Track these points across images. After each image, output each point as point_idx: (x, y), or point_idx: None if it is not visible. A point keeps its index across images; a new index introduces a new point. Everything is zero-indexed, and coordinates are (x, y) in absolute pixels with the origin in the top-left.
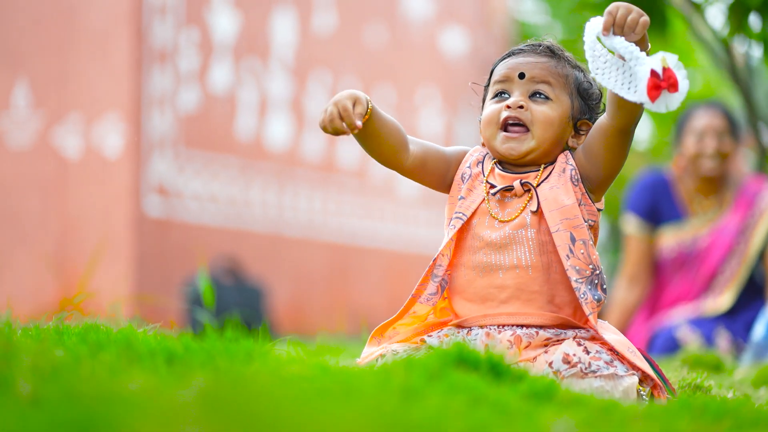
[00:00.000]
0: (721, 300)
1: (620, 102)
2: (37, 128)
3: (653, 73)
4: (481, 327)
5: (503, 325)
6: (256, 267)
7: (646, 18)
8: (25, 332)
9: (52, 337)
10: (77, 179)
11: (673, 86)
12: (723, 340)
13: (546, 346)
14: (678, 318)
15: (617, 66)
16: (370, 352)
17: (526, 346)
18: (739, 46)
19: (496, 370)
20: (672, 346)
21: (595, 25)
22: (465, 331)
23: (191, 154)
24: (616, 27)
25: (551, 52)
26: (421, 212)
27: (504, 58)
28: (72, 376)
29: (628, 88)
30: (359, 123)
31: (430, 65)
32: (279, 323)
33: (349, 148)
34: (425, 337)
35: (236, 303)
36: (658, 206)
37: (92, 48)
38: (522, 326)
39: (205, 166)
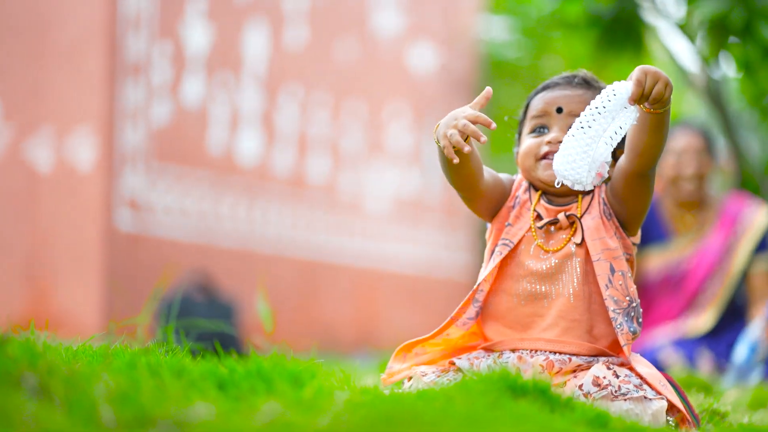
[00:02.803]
0: (703, 320)
1: (637, 148)
2: (7, 141)
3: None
4: (513, 351)
5: (536, 350)
6: (227, 282)
7: (671, 85)
8: (67, 353)
9: (99, 360)
10: (48, 192)
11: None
12: (705, 361)
13: (575, 371)
14: (661, 339)
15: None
16: (396, 370)
17: (557, 372)
18: (716, 69)
19: (544, 396)
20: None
21: (620, 90)
22: (495, 354)
23: (163, 168)
24: (642, 98)
25: (586, 83)
26: (390, 228)
27: (539, 92)
28: (145, 401)
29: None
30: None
31: (399, 81)
32: (249, 338)
33: (318, 163)
34: (455, 360)
35: (208, 319)
36: (644, 227)
37: (65, 60)
38: (555, 353)
39: (176, 180)
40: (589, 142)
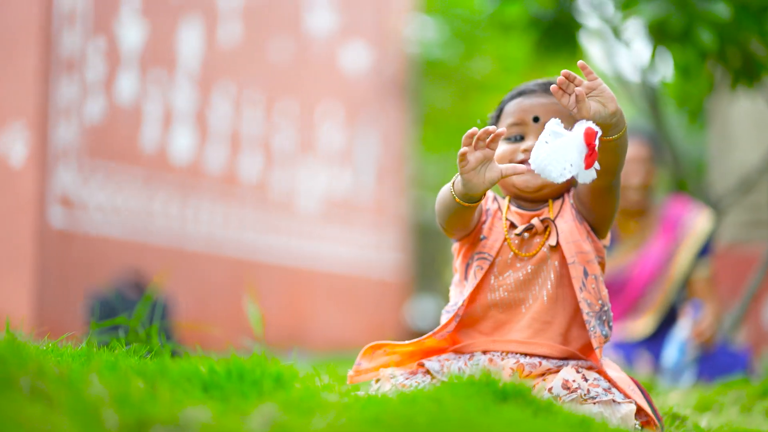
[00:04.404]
0: (643, 324)
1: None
2: None
3: (588, 131)
4: (484, 353)
5: (506, 352)
6: (159, 280)
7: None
8: (45, 353)
9: (80, 362)
10: None
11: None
12: (644, 363)
13: (544, 375)
14: None
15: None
16: (364, 368)
17: (527, 375)
18: (654, 74)
19: (525, 401)
20: None
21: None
22: (466, 356)
23: (96, 165)
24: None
25: None
26: (321, 228)
27: (514, 97)
28: (142, 404)
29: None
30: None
31: (332, 80)
32: (181, 336)
33: (251, 161)
34: (424, 361)
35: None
36: None
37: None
38: (526, 355)
39: (109, 177)
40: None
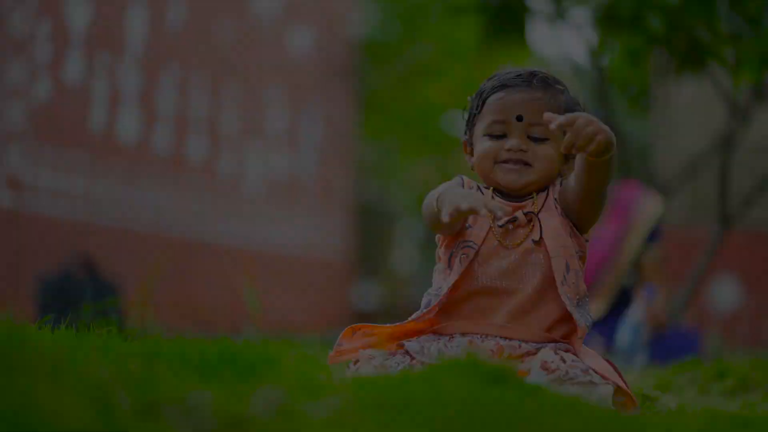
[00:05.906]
0: (594, 308)
1: (587, 174)
2: None
3: None
4: (463, 335)
5: (486, 335)
6: (107, 260)
7: (606, 135)
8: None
9: (66, 344)
10: None
11: None
12: (595, 345)
13: (523, 357)
14: None
15: None
16: (344, 349)
17: (506, 357)
18: (603, 58)
19: (511, 383)
20: None
21: None
22: (446, 338)
23: (44, 147)
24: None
25: (545, 84)
26: (267, 210)
27: (496, 89)
28: (148, 387)
29: None
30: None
31: (277, 63)
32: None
33: (197, 143)
34: (404, 342)
35: (90, 298)
36: None
37: None
38: (505, 338)
39: (57, 158)
40: None
